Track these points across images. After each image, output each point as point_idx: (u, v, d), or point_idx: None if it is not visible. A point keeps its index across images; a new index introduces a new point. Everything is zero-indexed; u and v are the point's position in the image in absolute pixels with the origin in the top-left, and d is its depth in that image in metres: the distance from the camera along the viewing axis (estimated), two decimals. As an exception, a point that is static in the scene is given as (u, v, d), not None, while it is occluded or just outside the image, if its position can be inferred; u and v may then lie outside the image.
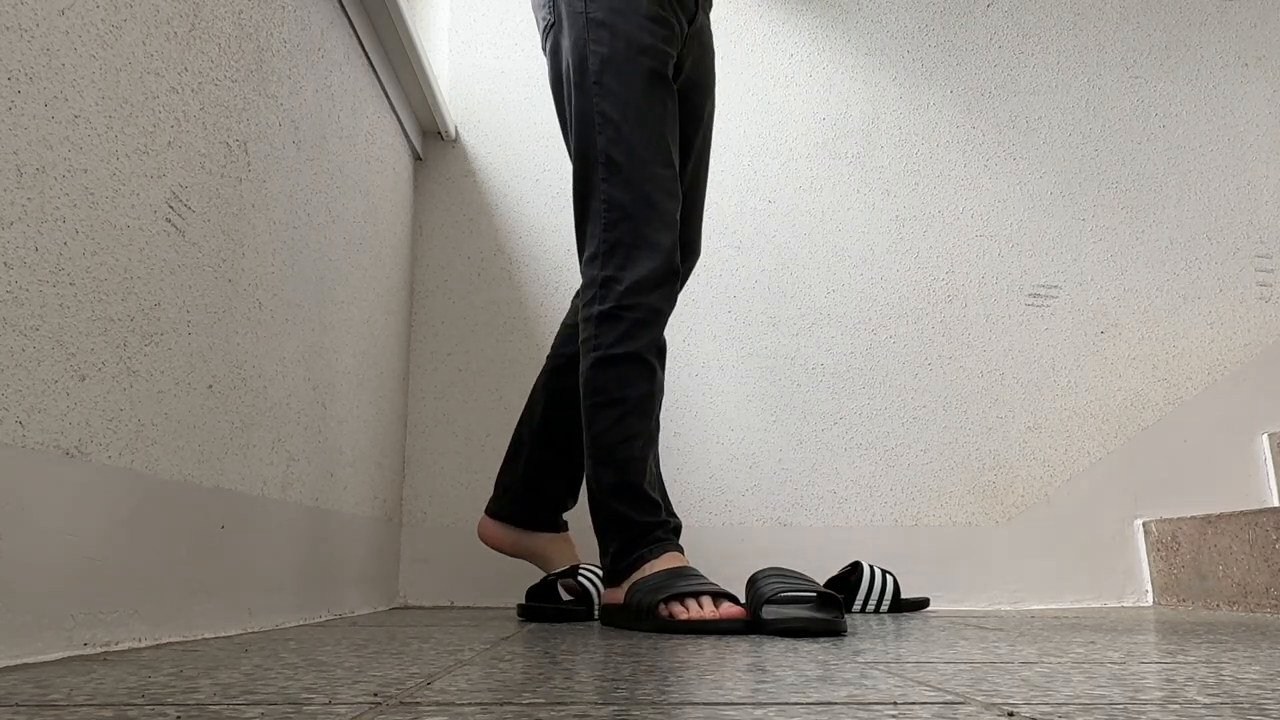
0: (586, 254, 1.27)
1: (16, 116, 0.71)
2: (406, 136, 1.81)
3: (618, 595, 1.22)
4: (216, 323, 1.01)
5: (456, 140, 1.94)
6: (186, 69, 0.95)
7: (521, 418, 1.51)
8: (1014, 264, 1.93)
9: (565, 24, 1.29)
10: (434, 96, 1.76)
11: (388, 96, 1.66)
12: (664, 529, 1.22)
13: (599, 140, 1.25)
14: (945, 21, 2.02)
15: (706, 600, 1.11)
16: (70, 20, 0.77)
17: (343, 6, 1.42)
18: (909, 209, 1.94)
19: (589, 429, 1.24)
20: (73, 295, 0.77)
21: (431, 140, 1.93)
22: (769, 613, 1.07)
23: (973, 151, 1.97)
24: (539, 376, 1.50)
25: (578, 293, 1.40)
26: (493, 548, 1.50)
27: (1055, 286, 1.92)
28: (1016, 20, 2.03)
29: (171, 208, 0.92)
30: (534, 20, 1.40)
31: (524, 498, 1.47)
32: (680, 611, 1.10)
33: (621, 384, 1.23)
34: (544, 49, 1.36)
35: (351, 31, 1.47)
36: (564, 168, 1.93)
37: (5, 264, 0.70)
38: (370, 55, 1.55)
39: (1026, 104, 1.99)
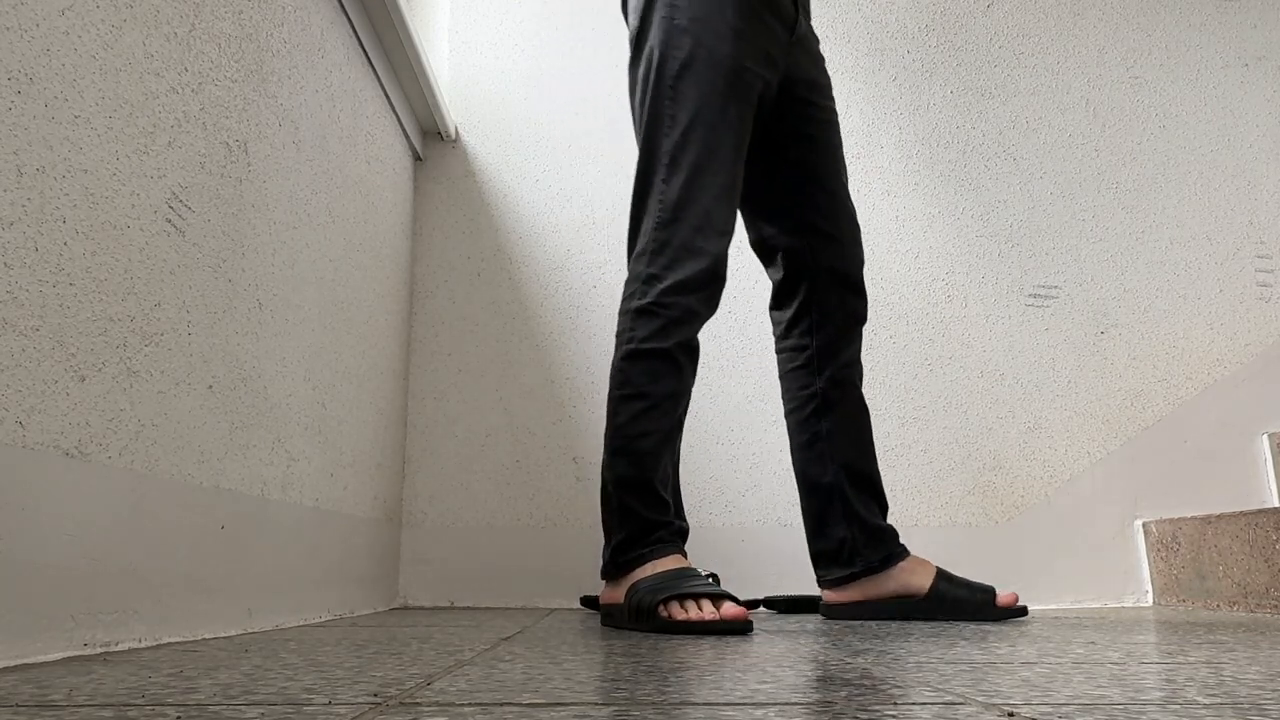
0: (638, 249, 1.29)
1: (16, 116, 0.71)
2: (406, 137, 1.81)
3: (617, 594, 1.23)
4: (216, 323, 1.01)
5: (456, 140, 1.94)
6: (186, 69, 0.95)
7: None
8: (1014, 264, 1.93)
9: (652, 28, 1.31)
10: (434, 96, 1.76)
11: (388, 97, 1.66)
12: (669, 530, 1.23)
13: (665, 141, 1.27)
14: (945, 21, 2.02)
15: (706, 602, 1.11)
16: (70, 20, 0.77)
17: (343, 7, 1.42)
18: (909, 209, 1.94)
19: (611, 419, 1.26)
20: (73, 295, 0.77)
21: (431, 140, 1.93)
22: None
23: (973, 151, 1.97)
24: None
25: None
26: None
27: (1055, 286, 1.92)
28: (1016, 20, 2.03)
29: (171, 208, 0.92)
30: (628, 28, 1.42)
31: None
32: (679, 612, 1.10)
33: (648, 379, 1.24)
34: (630, 58, 1.38)
35: (351, 32, 1.47)
36: (564, 168, 1.93)
37: (5, 264, 0.70)
38: (370, 56, 1.55)
39: (1026, 104, 1.99)
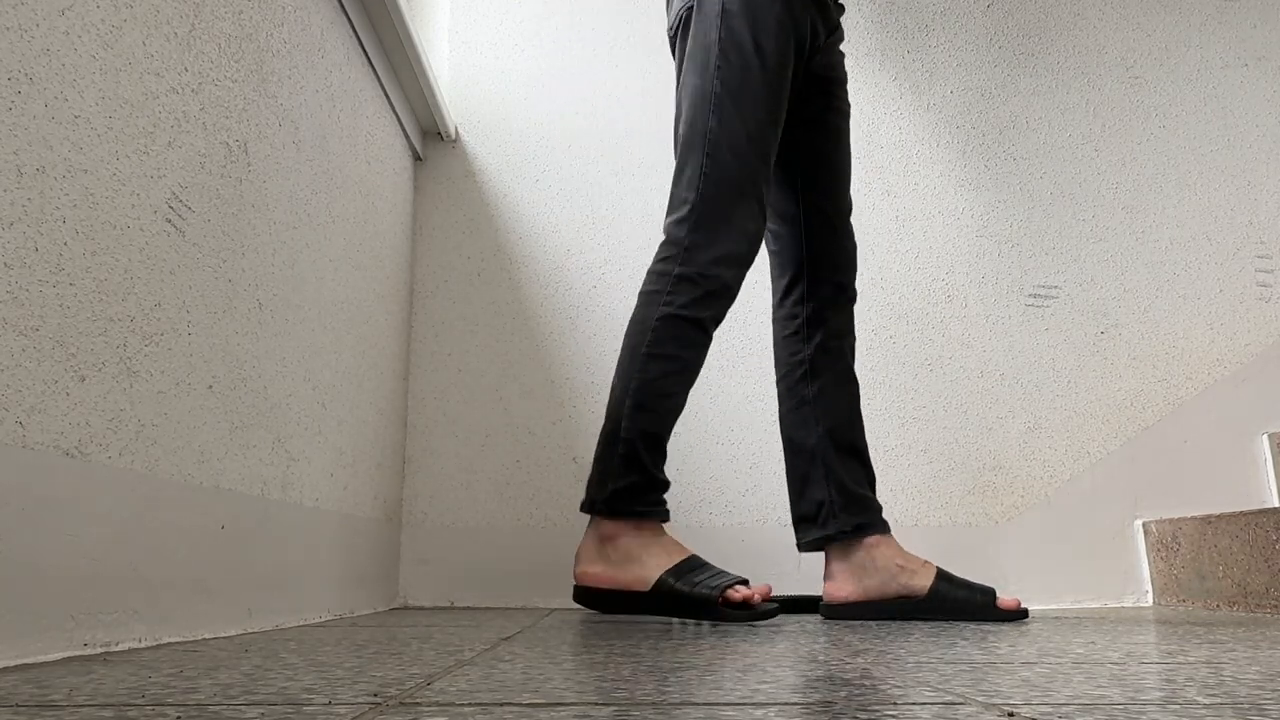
0: (675, 215, 1.35)
1: (16, 116, 0.71)
2: (406, 137, 1.81)
3: (612, 575, 1.27)
4: (216, 323, 1.01)
5: (456, 140, 1.94)
6: (186, 69, 0.95)
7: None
8: (1014, 264, 1.93)
9: (703, 15, 1.38)
10: (434, 97, 1.76)
11: (388, 97, 1.66)
12: (663, 492, 1.30)
13: (710, 119, 1.34)
14: (945, 21, 2.02)
15: (743, 589, 1.23)
16: (70, 20, 0.77)
17: (343, 7, 1.42)
18: (909, 209, 1.94)
19: (639, 373, 1.30)
20: (73, 295, 0.77)
21: (431, 140, 1.93)
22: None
23: (973, 151, 1.97)
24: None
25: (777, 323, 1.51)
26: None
27: (1055, 286, 1.92)
28: (1016, 20, 2.03)
29: (171, 208, 0.92)
30: (667, 12, 1.48)
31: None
32: (735, 595, 1.21)
33: (681, 344, 1.31)
34: (673, 40, 1.44)
35: (351, 32, 1.47)
36: (564, 168, 1.93)
37: (5, 264, 0.70)
38: (370, 56, 1.55)
39: (1026, 104, 1.99)
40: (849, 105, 1.54)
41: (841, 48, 1.56)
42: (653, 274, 1.34)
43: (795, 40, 1.37)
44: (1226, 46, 2.04)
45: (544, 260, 1.89)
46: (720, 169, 1.32)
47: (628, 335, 1.34)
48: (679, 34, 1.42)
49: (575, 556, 1.33)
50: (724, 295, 1.32)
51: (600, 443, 1.32)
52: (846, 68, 1.98)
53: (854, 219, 1.93)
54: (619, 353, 1.37)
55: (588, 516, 1.79)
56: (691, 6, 1.40)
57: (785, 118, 1.44)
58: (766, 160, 1.35)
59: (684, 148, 1.36)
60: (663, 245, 1.35)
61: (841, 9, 1.51)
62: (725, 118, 1.33)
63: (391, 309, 1.72)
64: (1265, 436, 1.86)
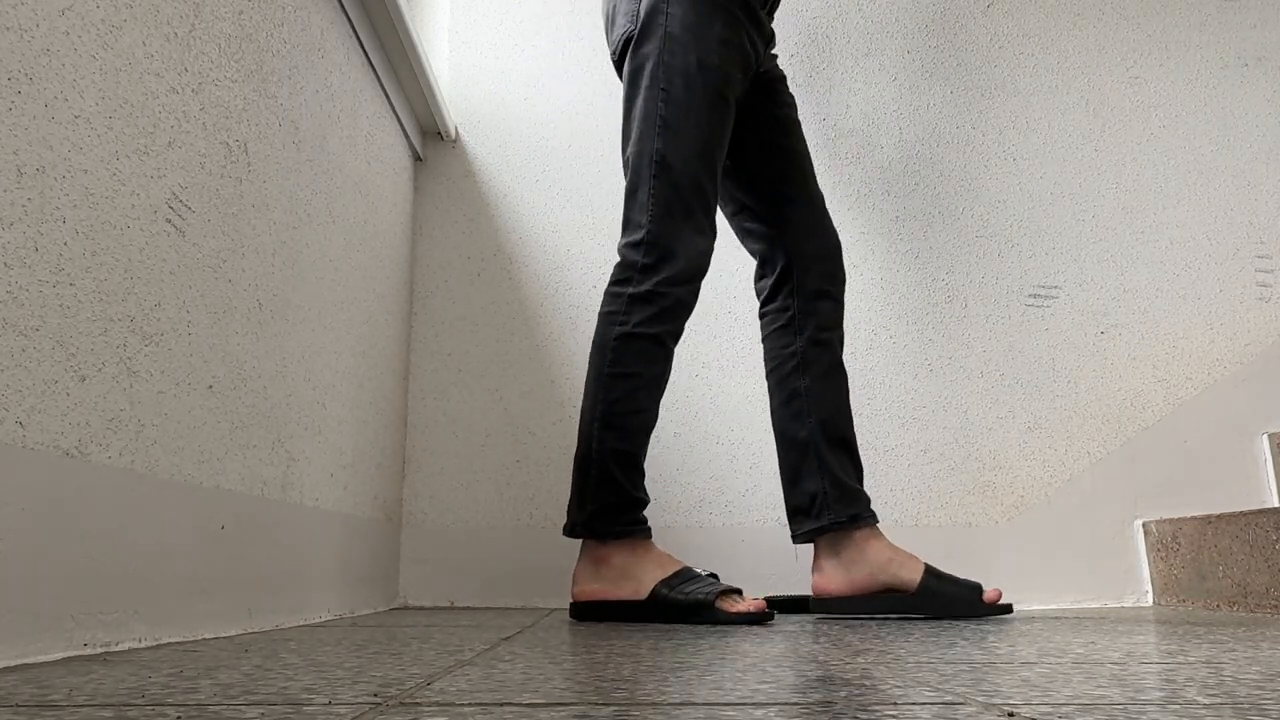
0: (629, 239, 1.38)
1: (16, 116, 0.71)
2: (406, 137, 1.81)
3: (616, 591, 1.30)
4: (216, 323, 1.01)
5: (456, 140, 1.94)
6: (186, 69, 0.95)
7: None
8: (1014, 264, 1.93)
9: (646, 35, 1.40)
10: (434, 96, 1.76)
11: (388, 97, 1.66)
12: (642, 508, 1.33)
13: (656, 141, 1.37)
14: (945, 21, 2.02)
15: (736, 597, 1.26)
16: (70, 20, 0.77)
17: (343, 7, 1.42)
18: (909, 209, 1.94)
19: (603, 395, 1.34)
20: (73, 295, 0.77)
21: (431, 140, 1.93)
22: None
23: (973, 151, 1.97)
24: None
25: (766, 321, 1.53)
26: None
27: (1055, 286, 1.92)
28: (1017, 20, 2.03)
29: (171, 208, 0.92)
30: (607, 37, 1.50)
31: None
32: (731, 605, 1.23)
33: (642, 360, 1.33)
34: (618, 65, 1.46)
35: (351, 32, 1.47)
36: (564, 168, 1.93)
37: (5, 264, 0.70)
38: (370, 56, 1.55)
39: (1026, 104, 1.99)
40: (792, 98, 1.57)
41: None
42: (609, 295, 1.37)
43: (740, 58, 1.40)
44: (1226, 46, 2.04)
45: (544, 260, 1.89)
46: (669, 190, 1.35)
47: (590, 358, 1.37)
48: (622, 58, 1.44)
49: (572, 579, 1.35)
50: (679, 310, 1.35)
51: (575, 467, 1.35)
52: (839, 69, 1.99)
53: (856, 219, 1.93)
54: (585, 376, 1.39)
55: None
56: (633, 31, 1.41)
57: (735, 125, 1.47)
58: (714, 175, 1.38)
59: (633, 171, 1.38)
60: (618, 267, 1.38)
61: (771, 16, 1.54)
62: (671, 140, 1.35)
63: (391, 309, 1.72)
64: (1265, 436, 1.85)
